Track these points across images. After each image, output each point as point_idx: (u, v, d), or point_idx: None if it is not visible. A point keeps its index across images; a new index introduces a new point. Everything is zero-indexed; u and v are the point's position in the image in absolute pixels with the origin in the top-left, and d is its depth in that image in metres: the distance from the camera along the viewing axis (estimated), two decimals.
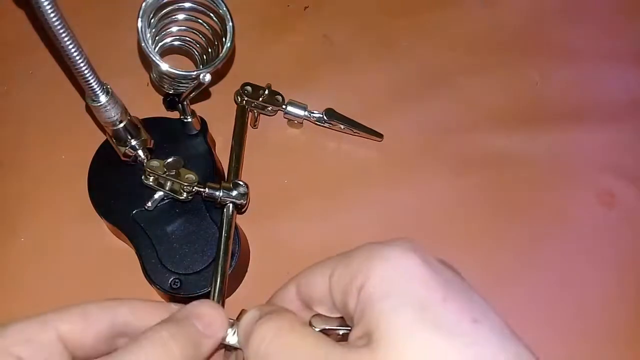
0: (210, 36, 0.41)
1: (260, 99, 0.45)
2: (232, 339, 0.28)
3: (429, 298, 0.23)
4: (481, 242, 0.44)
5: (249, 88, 0.46)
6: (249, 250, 0.43)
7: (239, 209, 0.40)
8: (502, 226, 0.45)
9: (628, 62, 0.52)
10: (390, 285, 0.23)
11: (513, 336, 0.23)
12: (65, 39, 0.29)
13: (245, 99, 0.45)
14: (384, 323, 0.23)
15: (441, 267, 0.25)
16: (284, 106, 0.46)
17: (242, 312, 0.34)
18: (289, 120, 0.47)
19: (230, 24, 0.39)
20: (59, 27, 0.28)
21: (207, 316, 0.27)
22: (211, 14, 0.40)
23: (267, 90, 0.46)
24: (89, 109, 0.35)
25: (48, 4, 0.27)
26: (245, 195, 0.40)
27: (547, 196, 0.46)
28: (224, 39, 0.39)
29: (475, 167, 0.47)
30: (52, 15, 0.28)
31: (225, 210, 0.39)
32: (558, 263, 0.44)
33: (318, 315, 0.28)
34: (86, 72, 0.31)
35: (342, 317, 0.28)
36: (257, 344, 0.26)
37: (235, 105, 0.45)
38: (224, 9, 0.39)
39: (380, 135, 0.47)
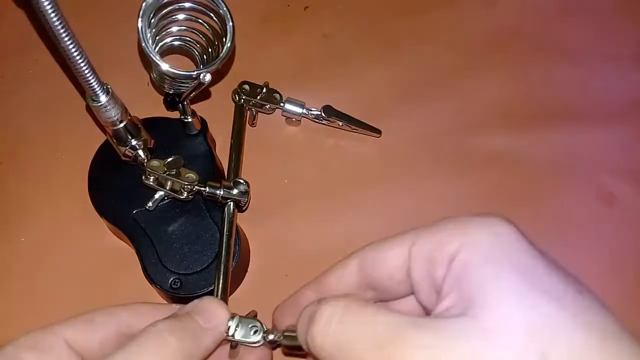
0: (211, 36, 0.41)
1: (258, 97, 0.46)
2: (237, 333, 0.28)
3: (534, 266, 0.22)
4: None
5: (246, 87, 0.46)
6: (249, 250, 0.43)
7: (240, 207, 0.40)
8: None
9: (628, 62, 0.52)
10: (490, 252, 0.22)
11: (609, 308, 0.22)
12: (66, 38, 0.29)
13: (243, 97, 0.45)
14: (487, 288, 0.21)
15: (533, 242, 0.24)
16: (282, 104, 0.46)
17: (250, 313, 0.34)
18: (287, 118, 0.47)
19: (231, 23, 0.39)
20: (59, 27, 0.28)
21: (207, 310, 0.27)
22: (211, 14, 0.40)
23: (265, 89, 0.46)
24: (89, 109, 0.35)
25: (48, 4, 0.27)
26: (246, 193, 0.40)
27: (547, 196, 0.46)
28: (224, 39, 0.39)
29: (475, 167, 0.47)
30: (52, 15, 0.28)
31: (226, 208, 0.39)
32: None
33: None
34: (86, 72, 0.31)
35: None
36: (326, 322, 0.23)
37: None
38: (224, 8, 0.39)
39: (378, 131, 0.47)
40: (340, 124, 0.46)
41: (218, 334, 0.28)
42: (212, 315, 0.28)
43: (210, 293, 0.38)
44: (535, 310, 0.21)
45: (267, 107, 0.46)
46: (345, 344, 0.23)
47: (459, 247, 0.23)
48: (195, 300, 0.28)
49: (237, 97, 0.45)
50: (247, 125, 0.46)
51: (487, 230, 0.23)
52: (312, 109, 0.46)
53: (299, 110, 0.46)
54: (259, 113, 0.47)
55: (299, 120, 0.47)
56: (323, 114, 0.46)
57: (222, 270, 0.37)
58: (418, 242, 0.25)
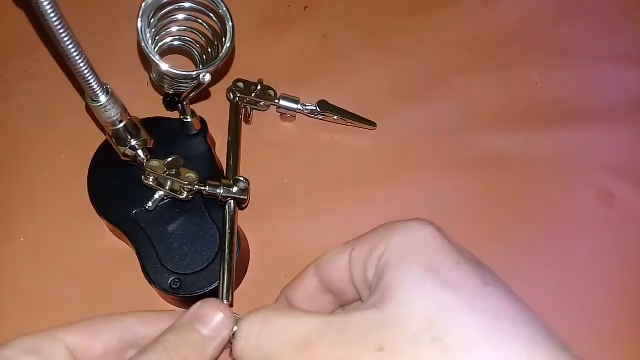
0: (210, 36, 0.41)
1: (253, 94, 0.46)
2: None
3: (442, 261, 0.24)
4: (480, 243, 0.43)
5: (240, 84, 0.46)
6: (249, 250, 0.43)
7: (240, 204, 0.40)
8: (501, 226, 0.45)
9: (628, 62, 0.52)
10: (404, 252, 0.24)
11: (519, 299, 0.24)
12: (65, 39, 0.29)
13: (238, 95, 0.45)
14: (395, 283, 0.23)
15: (456, 242, 0.26)
16: (276, 100, 0.46)
17: None
18: (282, 114, 0.47)
19: (230, 24, 0.39)
20: (59, 27, 0.28)
21: (209, 317, 0.27)
22: (211, 14, 0.40)
23: (259, 86, 0.46)
24: (89, 109, 0.35)
25: (48, 4, 0.27)
26: (246, 190, 0.40)
27: (547, 196, 0.46)
28: (223, 39, 0.39)
29: (475, 167, 0.47)
30: (52, 15, 0.28)
31: (227, 207, 0.39)
32: (558, 263, 0.44)
33: None
34: (86, 72, 0.31)
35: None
36: (246, 337, 0.25)
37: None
38: (224, 9, 0.39)
39: (373, 124, 0.47)
40: (335, 118, 0.47)
41: (222, 340, 0.27)
42: (215, 324, 0.27)
43: (211, 293, 0.38)
44: (434, 300, 0.22)
45: (262, 104, 0.46)
46: (270, 353, 0.24)
47: (384, 249, 0.25)
48: (197, 305, 0.28)
49: (232, 95, 0.45)
50: (243, 123, 0.46)
51: (407, 233, 0.25)
52: (307, 104, 0.46)
53: (294, 106, 0.46)
54: (253, 110, 0.47)
55: (294, 116, 0.47)
56: (318, 109, 0.46)
57: (225, 268, 0.37)
58: (357, 247, 0.27)
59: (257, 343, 0.25)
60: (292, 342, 0.24)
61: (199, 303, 0.28)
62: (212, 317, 0.27)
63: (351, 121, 0.47)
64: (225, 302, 0.37)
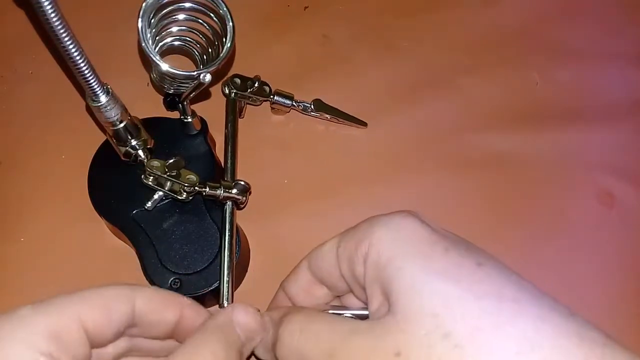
0: (211, 36, 0.41)
1: (249, 90, 0.46)
2: None
3: (430, 252, 0.24)
4: (480, 243, 0.43)
5: (237, 80, 0.46)
6: (249, 249, 0.43)
7: (238, 205, 0.40)
8: (501, 226, 0.45)
9: (628, 62, 0.52)
10: (393, 249, 0.25)
11: (515, 274, 0.24)
12: (66, 38, 0.29)
13: (234, 90, 0.45)
14: (394, 286, 0.24)
15: (440, 228, 0.26)
16: (271, 96, 0.46)
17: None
18: (274, 108, 0.47)
19: (231, 24, 0.39)
20: (59, 26, 0.28)
21: (246, 323, 0.27)
22: (211, 14, 0.40)
23: (257, 82, 0.46)
24: (89, 109, 0.35)
25: (48, 4, 0.27)
26: (245, 191, 0.40)
27: (547, 196, 0.46)
28: (224, 39, 0.39)
29: (475, 167, 0.47)
30: (52, 15, 0.28)
31: (226, 207, 0.39)
32: (558, 263, 0.44)
33: (333, 306, 0.30)
34: (86, 72, 0.31)
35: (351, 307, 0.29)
36: (289, 340, 0.26)
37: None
38: (224, 9, 0.39)
39: (364, 124, 0.47)
40: (328, 117, 0.47)
41: (255, 344, 0.28)
42: (250, 329, 0.28)
43: (212, 293, 0.38)
44: (435, 294, 0.23)
45: (256, 99, 0.47)
46: (307, 354, 0.25)
47: (368, 247, 0.25)
48: (232, 309, 0.28)
49: (228, 90, 0.45)
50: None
51: (389, 227, 0.25)
52: (300, 101, 0.47)
53: (288, 102, 0.47)
54: (247, 105, 0.47)
55: (286, 111, 0.48)
56: (312, 107, 0.47)
57: (225, 270, 0.37)
58: (342, 243, 0.27)
59: (297, 343, 0.26)
60: (326, 345, 0.25)
61: (232, 308, 0.28)
62: (249, 323, 0.28)
63: (343, 120, 0.47)
64: (226, 303, 0.37)
